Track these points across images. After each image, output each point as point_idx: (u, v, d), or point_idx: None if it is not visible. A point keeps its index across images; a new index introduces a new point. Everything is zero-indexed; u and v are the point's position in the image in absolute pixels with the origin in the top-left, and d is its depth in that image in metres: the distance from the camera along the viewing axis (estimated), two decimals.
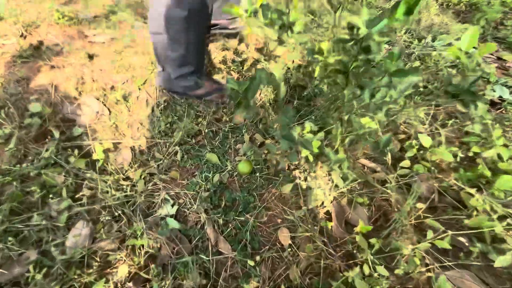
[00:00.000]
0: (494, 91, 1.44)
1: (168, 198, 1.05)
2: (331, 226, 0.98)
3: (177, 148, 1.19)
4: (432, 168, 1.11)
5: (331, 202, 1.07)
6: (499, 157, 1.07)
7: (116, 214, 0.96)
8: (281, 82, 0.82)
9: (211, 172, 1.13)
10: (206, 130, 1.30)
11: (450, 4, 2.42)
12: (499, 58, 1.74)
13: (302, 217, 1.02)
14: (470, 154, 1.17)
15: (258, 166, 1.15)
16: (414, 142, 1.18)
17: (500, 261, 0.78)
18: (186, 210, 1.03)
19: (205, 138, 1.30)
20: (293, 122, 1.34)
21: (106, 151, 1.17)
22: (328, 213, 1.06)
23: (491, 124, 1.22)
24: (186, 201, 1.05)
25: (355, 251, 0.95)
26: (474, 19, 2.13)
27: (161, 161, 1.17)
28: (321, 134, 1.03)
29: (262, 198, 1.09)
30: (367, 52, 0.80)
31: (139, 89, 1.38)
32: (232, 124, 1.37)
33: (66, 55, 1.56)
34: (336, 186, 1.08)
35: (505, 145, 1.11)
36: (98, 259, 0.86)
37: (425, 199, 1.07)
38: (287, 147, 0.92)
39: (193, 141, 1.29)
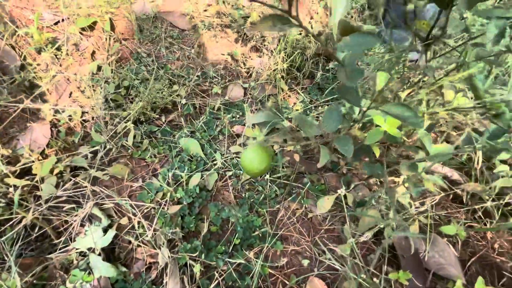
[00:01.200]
0: None
1: (99, 215, 0.55)
2: (406, 280, 0.53)
3: (130, 125, 0.70)
4: None
5: (394, 230, 0.61)
6: None
7: None
8: None
9: (187, 169, 0.65)
10: (184, 102, 0.81)
11: None
12: None
13: (348, 257, 0.56)
14: None
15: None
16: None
17: None
18: (131, 239, 0.54)
19: (181, 116, 0.82)
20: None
21: None
22: (390, 249, 0.61)
23: None
24: (134, 221, 0.56)
25: None
26: None
27: (100, 147, 0.67)
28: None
29: (276, 219, 0.62)
30: None
31: (81, 34, 0.87)
32: (227, 98, 0.90)
33: None
34: (400, 203, 0.63)
35: None
36: None
37: None
38: (336, 125, 0.47)
39: (163, 118, 0.80)
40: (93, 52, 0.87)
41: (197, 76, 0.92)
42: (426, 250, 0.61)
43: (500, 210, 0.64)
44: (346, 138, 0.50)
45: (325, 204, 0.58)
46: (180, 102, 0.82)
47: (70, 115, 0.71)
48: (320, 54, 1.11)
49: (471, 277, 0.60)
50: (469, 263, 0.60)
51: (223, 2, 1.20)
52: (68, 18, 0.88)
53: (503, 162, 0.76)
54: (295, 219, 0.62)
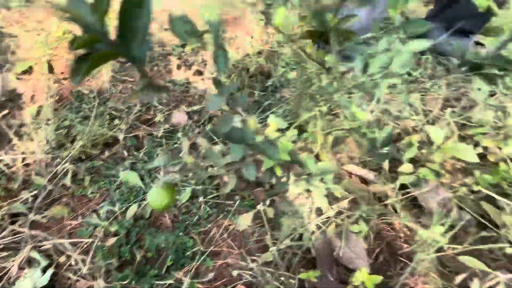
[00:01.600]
0: None
1: (38, 257, 0.60)
2: (318, 277, 0.62)
3: (68, 166, 0.75)
4: (443, 172, 0.82)
5: (313, 233, 0.71)
6: None
7: None
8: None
9: (125, 201, 0.71)
10: (122, 137, 0.87)
11: None
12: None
13: (269, 264, 0.65)
14: (479, 150, 0.91)
15: (201, 187, 0.75)
16: (413, 138, 0.89)
17: None
18: (71, 275, 0.59)
19: (124, 148, 0.87)
20: (250, 113, 0.98)
21: None
22: (309, 251, 0.70)
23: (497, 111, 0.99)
24: (73, 258, 0.61)
25: None
26: None
27: (40, 190, 0.71)
28: (292, 132, 0.67)
29: (208, 237, 0.69)
30: None
31: (19, 79, 0.91)
32: (168, 126, 0.96)
33: None
34: (320, 209, 0.73)
35: None
36: None
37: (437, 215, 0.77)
38: (240, 154, 0.55)
39: (106, 153, 0.85)
40: (33, 96, 0.91)
41: (140, 106, 0.98)
42: (341, 247, 0.70)
43: (401, 204, 0.75)
44: (251, 164, 0.58)
45: (245, 220, 0.66)
46: (122, 136, 0.87)
47: (7, 164, 0.75)
48: (259, 73, 1.20)
49: (380, 265, 0.70)
50: (375, 254, 0.70)
51: (165, 29, 1.27)
52: (5, 65, 0.91)
53: (412, 160, 0.88)
54: (226, 235, 0.70)
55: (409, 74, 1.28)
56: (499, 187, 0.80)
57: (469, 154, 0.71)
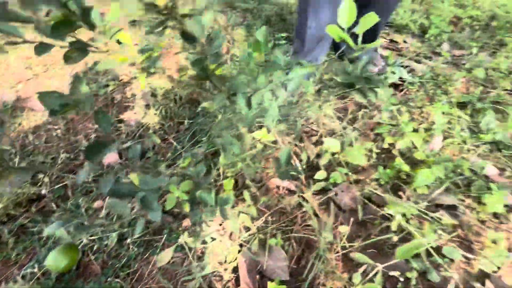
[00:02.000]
0: (394, 73, 1.38)
1: None
2: None
3: None
4: (350, 173, 0.92)
5: (239, 252, 0.77)
6: (413, 145, 0.95)
7: None
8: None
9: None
10: (47, 191, 0.87)
11: None
12: (391, 41, 1.76)
13: None
14: (386, 146, 1.04)
15: (127, 229, 0.78)
16: (326, 146, 0.99)
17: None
18: None
19: (51, 201, 0.88)
20: (183, 142, 1.02)
21: None
22: (234, 271, 0.76)
23: (397, 109, 1.13)
24: None
25: None
26: None
27: None
28: (199, 167, 0.73)
29: (136, 277, 0.73)
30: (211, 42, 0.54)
31: None
32: (99, 169, 0.98)
33: None
34: (246, 227, 0.80)
35: (415, 130, 0.99)
36: None
37: (350, 214, 0.87)
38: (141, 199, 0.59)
39: (33, 209, 0.85)
40: None
41: (68, 153, 0.98)
42: (264, 260, 0.77)
43: (319, 207, 0.83)
44: (157, 208, 0.63)
45: (164, 257, 0.70)
46: (47, 190, 0.88)
47: None
48: (191, 99, 1.25)
49: (301, 269, 0.78)
50: (295, 259, 0.78)
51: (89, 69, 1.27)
52: None
53: (326, 165, 0.98)
54: (155, 271, 0.74)
55: (331, 79, 1.40)
56: (399, 178, 0.92)
57: (358, 158, 0.81)
